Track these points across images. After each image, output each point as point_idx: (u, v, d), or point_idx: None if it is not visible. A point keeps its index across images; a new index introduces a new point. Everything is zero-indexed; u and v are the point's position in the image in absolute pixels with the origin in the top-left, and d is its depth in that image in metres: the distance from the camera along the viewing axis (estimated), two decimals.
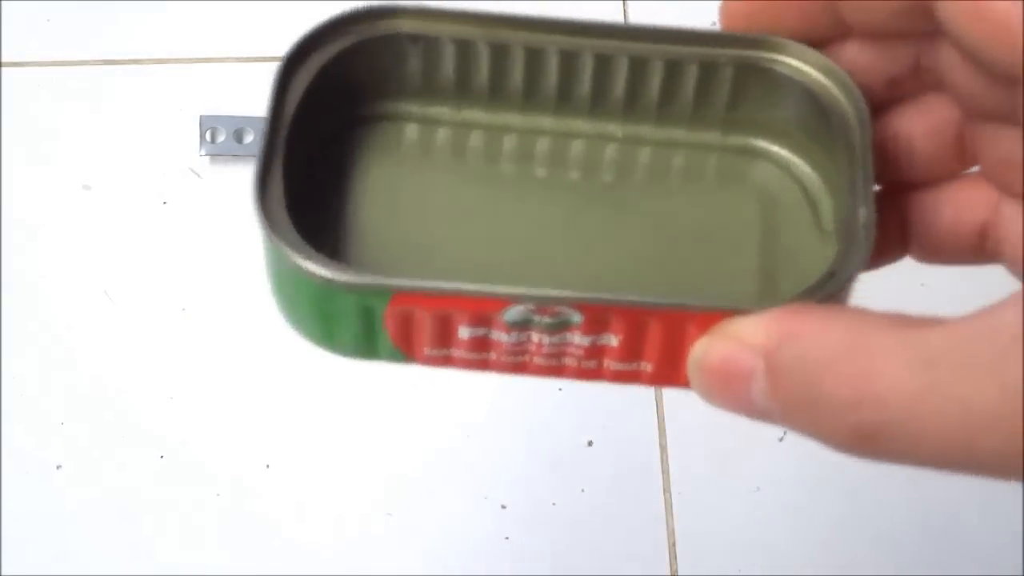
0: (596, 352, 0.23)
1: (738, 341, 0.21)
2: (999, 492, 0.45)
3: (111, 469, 0.47)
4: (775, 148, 0.26)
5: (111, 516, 0.46)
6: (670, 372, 0.23)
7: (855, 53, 0.24)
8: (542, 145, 0.27)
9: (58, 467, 0.47)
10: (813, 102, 0.25)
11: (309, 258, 0.22)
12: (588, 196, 0.26)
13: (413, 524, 0.45)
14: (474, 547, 0.45)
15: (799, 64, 0.25)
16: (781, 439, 0.46)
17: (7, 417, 0.48)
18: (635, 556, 0.43)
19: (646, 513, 0.46)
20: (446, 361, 0.23)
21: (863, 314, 0.20)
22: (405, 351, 0.23)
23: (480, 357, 0.23)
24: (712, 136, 0.26)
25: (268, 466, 0.47)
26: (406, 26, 0.26)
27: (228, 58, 0.58)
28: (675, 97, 0.26)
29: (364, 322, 0.23)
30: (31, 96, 0.56)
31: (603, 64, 0.25)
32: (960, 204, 0.24)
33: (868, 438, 0.19)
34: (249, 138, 0.55)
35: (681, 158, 0.27)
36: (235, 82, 0.57)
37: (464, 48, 0.26)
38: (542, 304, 0.22)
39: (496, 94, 0.26)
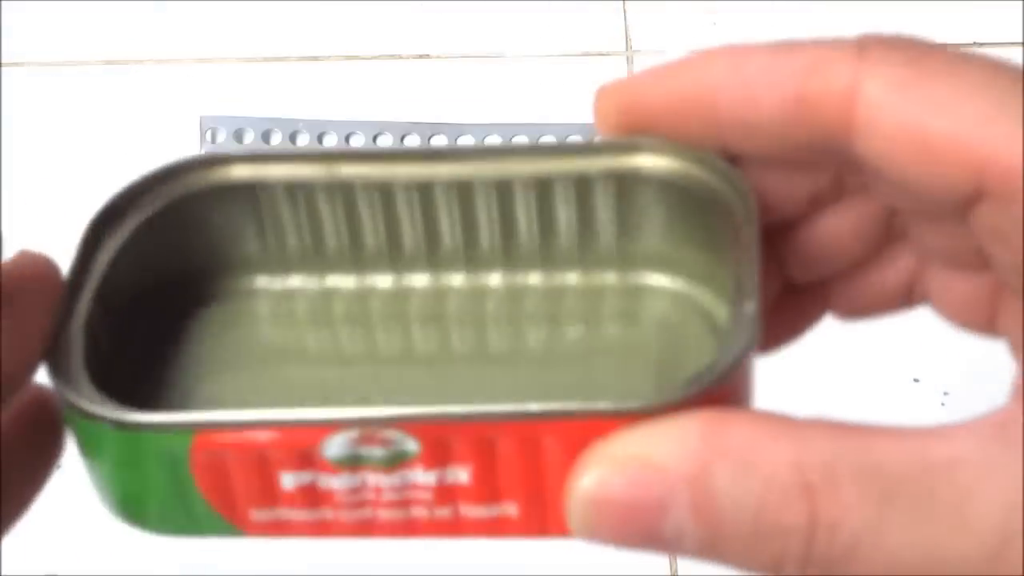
0: (446, 494, 0.19)
1: (645, 465, 0.16)
2: None
3: None
4: (669, 280, 0.23)
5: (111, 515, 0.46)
6: (541, 512, 0.19)
7: (761, 173, 0.20)
8: (413, 305, 0.23)
9: (58, 467, 0.47)
10: (696, 202, 0.21)
11: (96, 401, 0.19)
12: (464, 339, 0.22)
13: None
14: (474, 547, 0.45)
15: (674, 162, 0.21)
16: None
17: None
18: (635, 556, 0.43)
19: None
20: (280, 528, 0.19)
21: (797, 423, 0.17)
22: (228, 516, 0.19)
23: (316, 517, 0.19)
24: (603, 275, 0.23)
25: None
26: (235, 173, 0.22)
27: (228, 58, 0.58)
28: (553, 234, 0.22)
29: (171, 479, 0.19)
30: (31, 96, 0.56)
31: (466, 198, 0.22)
32: (885, 275, 0.22)
33: (815, 569, 0.16)
34: (249, 138, 0.55)
35: (571, 304, 0.23)
36: (235, 82, 0.57)
37: (305, 195, 0.22)
38: (365, 427, 0.18)
39: (346, 249, 0.22)
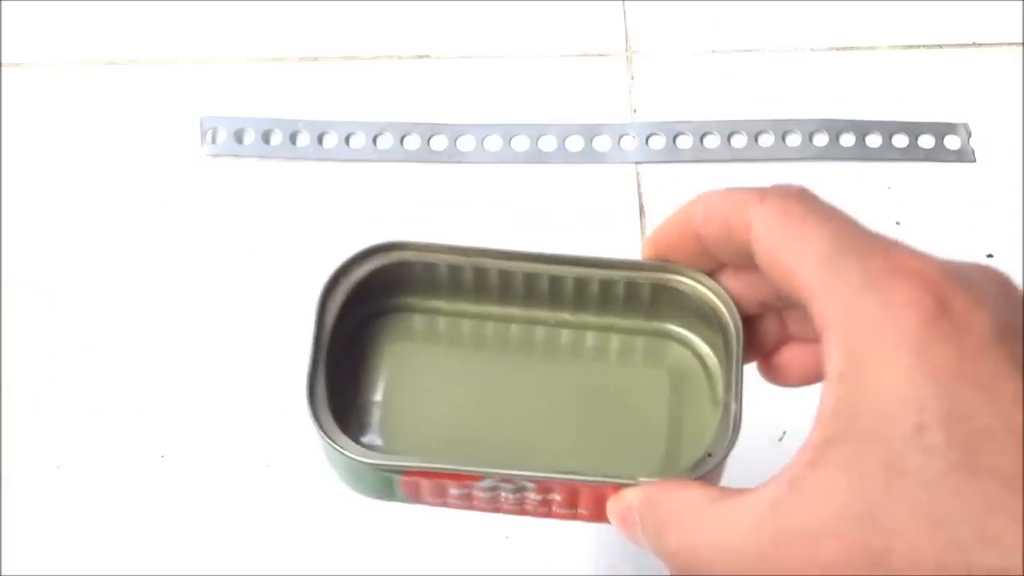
0: (546, 504, 0.32)
1: (627, 504, 0.31)
2: None
3: (111, 469, 0.47)
4: (684, 333, 0.35)
5: (111, 516, 0.46)
6: (598, 515, 0.32)
7: (734, 283, 0.33)
8: (514, 331, 0.36)
9: (58, 467, 0.47)
10: (706, 309, 0.33)
11: (349, 449, 0.31)
12: (549, 377, 0.35)
13: (414, 524, 0.45)
14: (474, 547, 0.45)
15: (695, 284, 0.33)
16: (781, 439, 0.46)
17: (7, 417, 0.48)
18: (635, 556, 0.43)
19: None
20: (444, 504, 0.33)
21: (697, 489, 0.29)
22: (415, 500, 0.33)
23: (467, 504, 0.33)
24: (639, 322, 0.35)
25: (268, 466, 0.47)
26: (410, 256, 0.34)
27: (228, 58, 0.58)
28: (610, 300, 0.35)
29: (386, 484, 0.32)
30: (31, 96, 0.56)
31: (556, 281, 0.34)
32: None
33: (684, 569, 0.29)
34: (249, 138, 0.55)
35: (616, 341, 0.36)
36: (235, 82, 0.57)
37: (454, 270, 0.34)
38: (505, 479, 0.31)
39: (480, 295, 0.35)
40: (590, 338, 0.36)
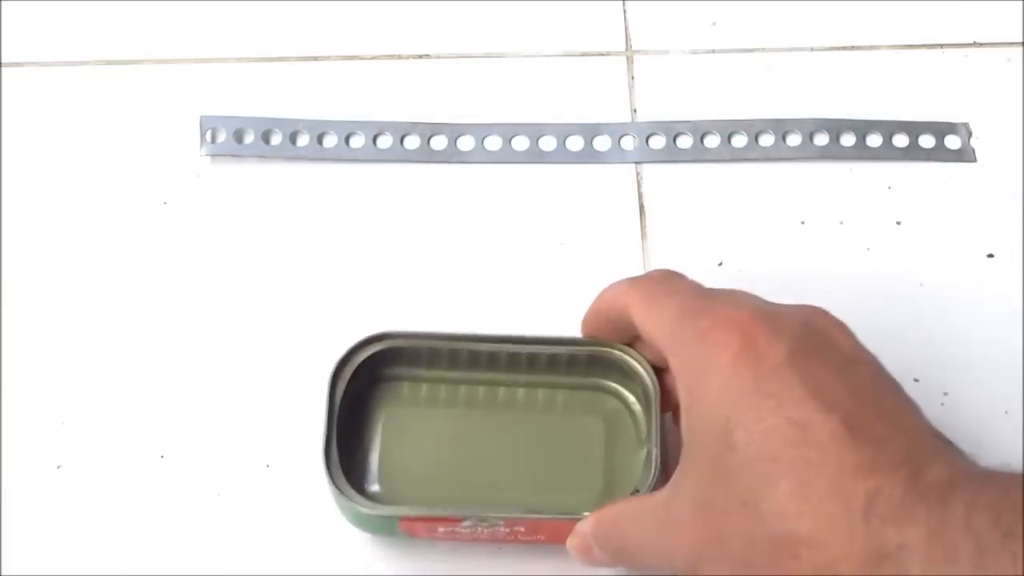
0: (513, 534, 0.42)
1: (582, 534, 0.40)
2: None
3: (111, 469, 0.47)
4: (616, 387, 0.45)
5: (111, 516, 0.46)
6: (555, 540, 0.41)
7: (648, 350, 0.42)
8: (481, 392, 0.45)
9: (58, 467, 0.47)
10: (629, 372, 0.43)
11: (357, 502, 0.41)
12: (509, 426, 0.44)
13: None
14: (474, 547, 0.45)
15: (620, 353, 0.43)
16: None
17: (7, 417, 0.48)
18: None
19: None
20: (434, 537, 0.42)
21: (627, 505, 0.39)
22: (412, 535, 0.42)
23: (452, 536, 0.42)
24: (579, 379, 0.45)
25: (268, 466, 0.47)
26: (400, 343, 0.44)
27: (228, 58, 0.58)
28: (556, 365, 0.44)
29: (388, 526, 0.42)
30: (31, 96, 0.56)
31: (512, 356, 0.44)
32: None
33: (634, 565, 0.40)
34: (249, 138, 0.55)
35: (562, 396, 0.45)
36: (235, 82, 0.57)
37: (434, 350, 0.44)
38: (481, 519, 0.41)
39: (453, 366, 0.45)
40: (541, 395, 0.45)
